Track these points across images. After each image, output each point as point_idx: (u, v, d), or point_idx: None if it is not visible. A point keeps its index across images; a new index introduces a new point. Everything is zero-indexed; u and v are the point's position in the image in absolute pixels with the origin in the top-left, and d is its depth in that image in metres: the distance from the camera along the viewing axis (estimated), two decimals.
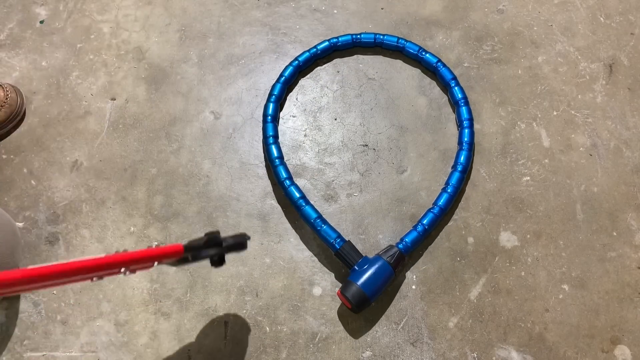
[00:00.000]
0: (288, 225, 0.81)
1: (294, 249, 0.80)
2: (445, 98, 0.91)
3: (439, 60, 0.90)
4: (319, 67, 0.95)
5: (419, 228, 0.76)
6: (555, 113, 0.89)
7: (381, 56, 0.95)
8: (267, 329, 0.74)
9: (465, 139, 0.83)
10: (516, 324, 0.74)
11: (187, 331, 0.74)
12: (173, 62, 0.95)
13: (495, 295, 0.76)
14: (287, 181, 0.79)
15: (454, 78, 0.88)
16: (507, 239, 0.80)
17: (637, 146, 0.86)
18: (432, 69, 0.91)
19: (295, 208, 0.79)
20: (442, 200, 0.78)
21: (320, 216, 0.76)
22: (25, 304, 0.76)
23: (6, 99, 0.87)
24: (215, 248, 0.61)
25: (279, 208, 0.83)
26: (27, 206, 0.83)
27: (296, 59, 0.91)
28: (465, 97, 0.86)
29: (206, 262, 0.78)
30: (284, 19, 1.00)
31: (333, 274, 0.78)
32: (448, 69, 0.89)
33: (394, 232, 0.80)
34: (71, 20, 1.00)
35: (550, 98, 0.90)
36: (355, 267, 0.72)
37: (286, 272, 0.78)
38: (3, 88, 0.88)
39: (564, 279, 0.76)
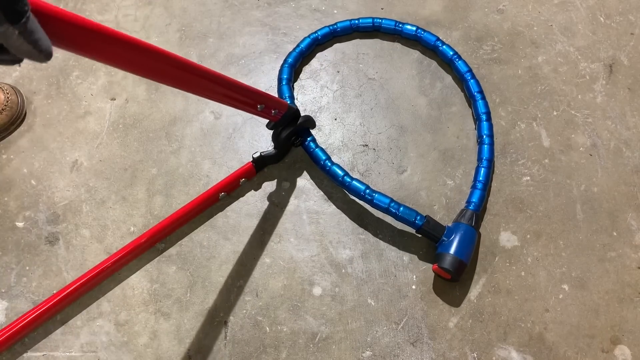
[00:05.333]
0: (288, 225, 0.81)
1: (294, 249, 0.80)
2: (444, 98, 0.91)
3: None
4: (319, 68, 0.95)
5: (479, 185, 0.79)
6: (555, 113, 0.89)
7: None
8: (267, 329, 0.74)
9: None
10: (516, 324, 0.74)
11: (187, 331, 0.74)
12: None
13: (495, 295, 0.76)
14: (347, 177, 0.78)
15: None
16: (507, 239, 0.80)
17: (637, 146, 0.86)
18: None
19: (364, 200, 0.77)
20: (486, 153, 0.82)
21: (392, 200, 0.76)
22: (25, 304, 0.76)
23: (7, 101, 0.86)
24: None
25: (279, 208, 0.83)
26: (27, 206, 0.83)
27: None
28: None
29: (205, 263, 0.79)
30: (284, 19, 1.00)
31: (333, 274, 0.78)
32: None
33: (394, 232, 0.80)
34: None
35: (550, 98, 0.90)
36: (444, 238, 0.74)
37: (286, 272, 0.78)
38: (3, 90, 0.87)
39: (564, 279, 0.76)
